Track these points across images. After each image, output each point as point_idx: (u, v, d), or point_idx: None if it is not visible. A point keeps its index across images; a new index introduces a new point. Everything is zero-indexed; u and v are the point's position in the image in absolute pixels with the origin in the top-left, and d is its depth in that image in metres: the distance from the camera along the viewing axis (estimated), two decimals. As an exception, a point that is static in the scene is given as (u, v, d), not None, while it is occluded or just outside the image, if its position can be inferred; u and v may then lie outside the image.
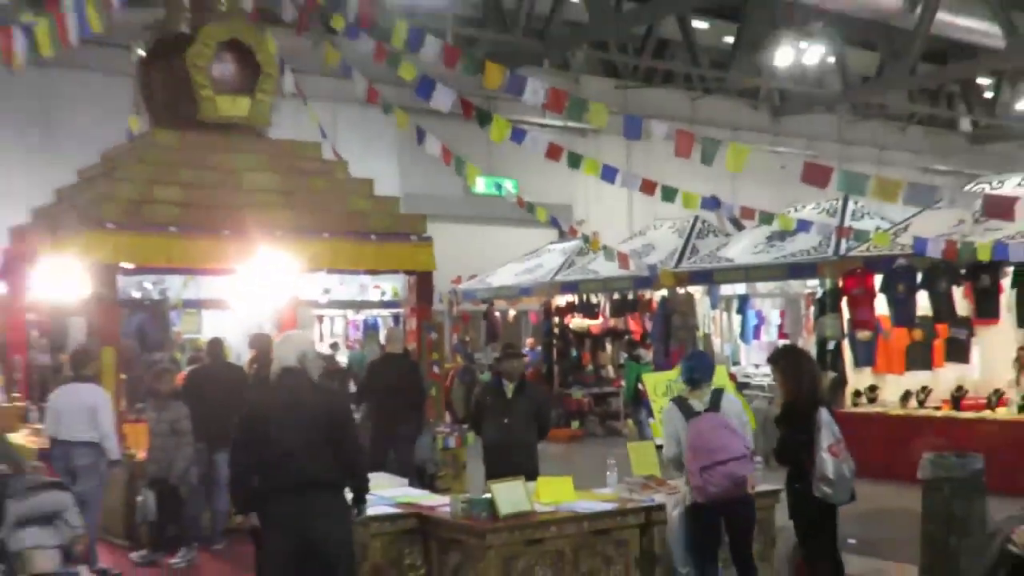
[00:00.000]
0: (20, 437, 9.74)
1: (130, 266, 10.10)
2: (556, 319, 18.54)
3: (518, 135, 10.64)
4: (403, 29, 10.24)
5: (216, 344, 9.77)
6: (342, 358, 15.29)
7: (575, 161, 11.03)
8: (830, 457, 5.88)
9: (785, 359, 6.60)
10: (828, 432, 5.95)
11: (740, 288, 16.39)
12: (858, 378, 13.24)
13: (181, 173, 10.61)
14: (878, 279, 12.82)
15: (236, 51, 11.03)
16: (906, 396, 12.86)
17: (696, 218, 16.78)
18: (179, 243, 10.05)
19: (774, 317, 17.56)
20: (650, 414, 10.42)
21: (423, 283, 11.48)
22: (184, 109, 10.91)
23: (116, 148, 11.84)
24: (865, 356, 13.12)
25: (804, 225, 13.06)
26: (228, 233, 10.22)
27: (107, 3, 9.47)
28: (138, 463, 9.01)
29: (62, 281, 10.34)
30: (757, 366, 16.35)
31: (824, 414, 6.01)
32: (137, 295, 10.59)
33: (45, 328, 12.94)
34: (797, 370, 6.36)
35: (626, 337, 17.79)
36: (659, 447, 7.46)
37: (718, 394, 6.35)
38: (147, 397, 9.27)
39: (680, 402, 6.35)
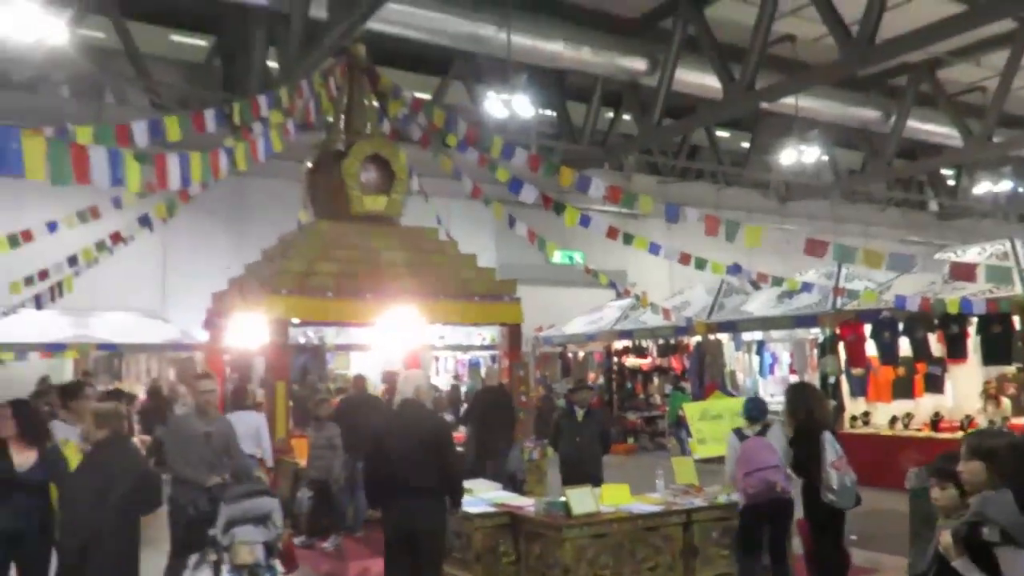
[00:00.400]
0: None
1: (297, 320, 10.26)
2: (615, 359, 18.28)
3: (585, 220, 10.60)
4: (499, 143, 10.39)
5: (360, 379, 9.85)
6: (464, 388, 15.32)
7: (628, 239, 10.95)
8: (834, 471, 5.62)
9: (793, 391, 6.38)
10: (832, 450, 5.69)
11: (758, 335, 15.98)
12: (854, 406, 12.78)
13: (336, 252, 10.76)
14: (868, 328, 12.40)
15: (377, 162, 11.21)
16: (893, 420, 12.35)
17: (722, 281, 16.43)
18: (334, 304, 10.16)
19: (785, 358, 17.02)
20: (689, 434, 10.11)
21: (514, 332, 11.39)
22: (339, 205, 11.11)
23: (289, 234, 12.07)
24: (859, 388, 12.68)
25: (807, 286, 12.76)
26: (369, 296, 10.30)
27: (285, 131, 9.84)
28: (300, 468, 9.05)
29: (248, 331, 10.55)
30: (772, 395, 15.84)
31: (828, 436, 5.76)
32: (302, 341, 10.76)
33: (236, 366, 13.20)
34: (800, 399, 6.12)
35: (670, 373, 17.45)
36: (697, 461, 7.23)
37: (767, 426, 6.22)
38: (310, 419, 9.35)
39: (738, 431, 6.28)
